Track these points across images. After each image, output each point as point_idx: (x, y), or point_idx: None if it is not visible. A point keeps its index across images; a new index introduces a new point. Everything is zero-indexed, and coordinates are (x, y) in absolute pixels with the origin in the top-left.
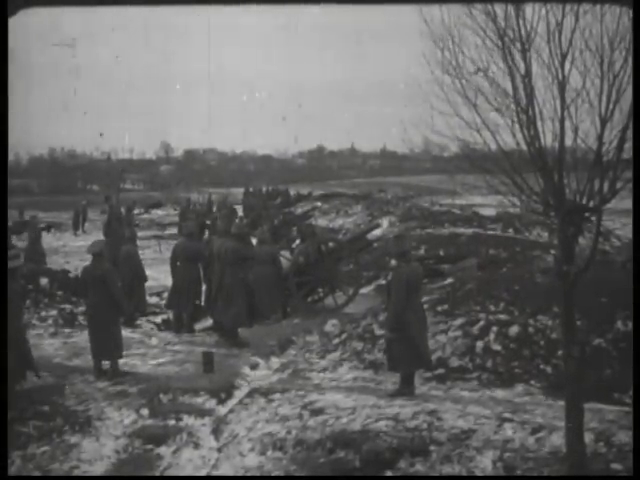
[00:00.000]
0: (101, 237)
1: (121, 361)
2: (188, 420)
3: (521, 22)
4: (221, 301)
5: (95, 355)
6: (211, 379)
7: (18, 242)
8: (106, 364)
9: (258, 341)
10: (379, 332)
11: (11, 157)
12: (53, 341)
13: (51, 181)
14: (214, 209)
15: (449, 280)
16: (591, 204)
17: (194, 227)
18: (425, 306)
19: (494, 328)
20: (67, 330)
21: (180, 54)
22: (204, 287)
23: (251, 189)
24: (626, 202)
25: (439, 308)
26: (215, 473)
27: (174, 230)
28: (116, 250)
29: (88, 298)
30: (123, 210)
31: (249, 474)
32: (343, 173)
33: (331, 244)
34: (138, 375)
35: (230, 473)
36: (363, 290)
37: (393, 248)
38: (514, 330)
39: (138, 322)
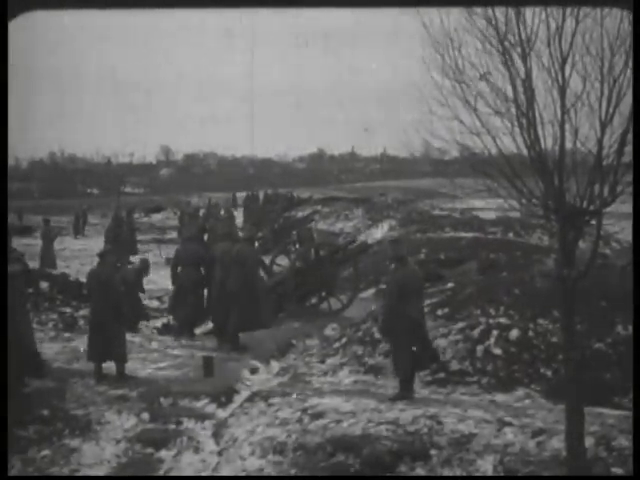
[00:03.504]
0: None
1: None
2: (188, 424)
3: (521, 26)
4: (225, 304)
5: (96, 358)
6: (211, 383)
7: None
8: (106, 367)
9: (258, 345)
10: (379, 336)
11: (11, 161)
12: (53, 345)
13: (51, 185)
14: (213, 213)
15: (449, 284)
16: (591, 208)
17: (195, 231)
18: (425, 310)
19: (494, 332)
20: (67, 334)
21: (180, 57)
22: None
23: (251, 193)
24: (626, 206)
25: (439, 312)
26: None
27: (174, 234)
28: (121, 256)
29: (92, 301)
30: (124, 214)
31: None
32: (343, 177)
33: (329, 248)
34: (138, 379)
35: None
36: (363, 294)
37: (390, 252)
38: (514, 334)
39: (139, 326)
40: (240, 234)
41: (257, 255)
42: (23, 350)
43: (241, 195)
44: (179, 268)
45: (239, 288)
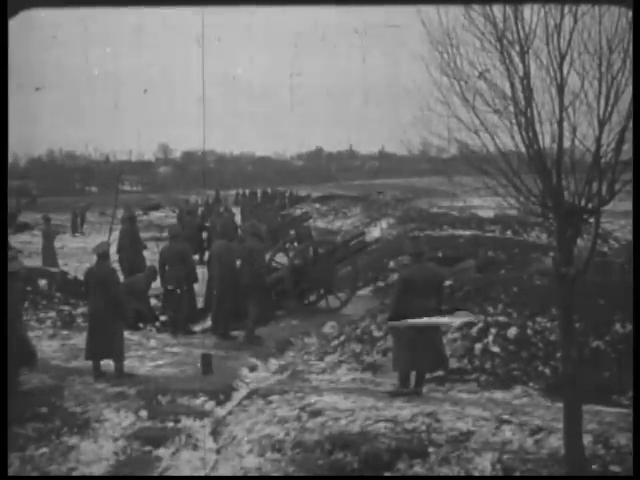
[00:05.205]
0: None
1: None
2: (187, 422)
3: (519, 24)
4: (236, 301)
5: (94, 355)
6: (210, 381)
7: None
8: (105, 365)
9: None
10: (377, 334)
11: (10, 159)
12: (51, 343)
13: (49, 183)
14: (216, 210)
15: (448, 282)
16: (589, 206)
17: (179, 229)
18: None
19: (493, 330)
20: (66, 332)
21: (177, 55)
22: (202, 289)
23: (247, 191)
24: (624, 204)
25: None
26: (214, 475)
27: None
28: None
29: (90, 299)
30: (119, 213)
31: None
32: (341, 175)
33: (327, 246)
34: (137, 376)
35: (229, 475)
36: (362, 292)
37: (409, 248)
38: (513, 332)
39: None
40: (239, 232)
41: (265, 251)
42: (16, 343)
43: (225, 194)
44: (166, 267)
45: (254, 283)
